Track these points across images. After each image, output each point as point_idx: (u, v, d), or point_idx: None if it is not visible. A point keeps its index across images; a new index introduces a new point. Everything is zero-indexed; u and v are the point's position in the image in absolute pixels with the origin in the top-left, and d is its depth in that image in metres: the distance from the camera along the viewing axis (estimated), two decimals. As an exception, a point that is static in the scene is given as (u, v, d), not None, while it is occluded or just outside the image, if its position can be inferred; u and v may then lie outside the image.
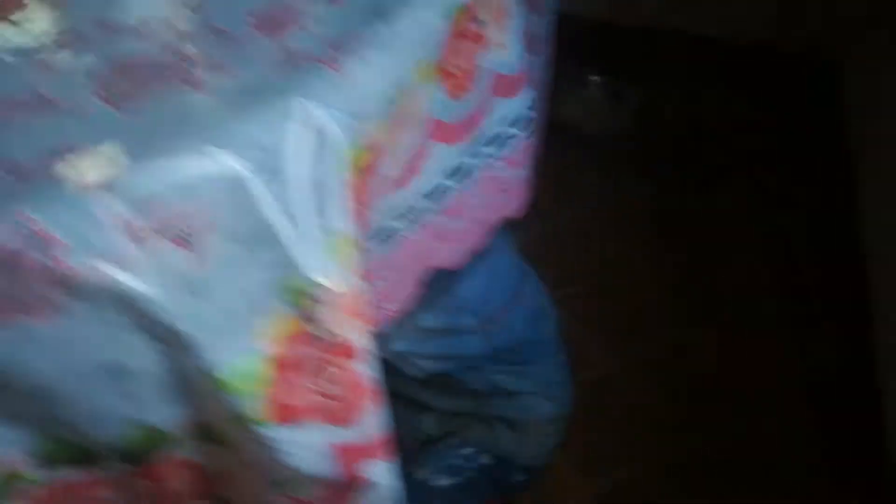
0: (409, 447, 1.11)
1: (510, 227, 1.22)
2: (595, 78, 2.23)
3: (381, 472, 0.60)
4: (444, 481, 1.18)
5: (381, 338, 1.09)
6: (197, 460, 0.60)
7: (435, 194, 0.79)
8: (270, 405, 0.53)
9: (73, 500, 0.57)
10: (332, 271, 0.51)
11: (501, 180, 0.87)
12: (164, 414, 0.54)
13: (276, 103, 0.49)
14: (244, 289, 0.49)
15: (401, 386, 1.14)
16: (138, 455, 0.56)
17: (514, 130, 0.84)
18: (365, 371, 0.55)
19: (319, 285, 0.50)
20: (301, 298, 0.51)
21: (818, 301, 1.68)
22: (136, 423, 0.53)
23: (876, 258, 1.59)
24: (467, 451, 1.20)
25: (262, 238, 0.48)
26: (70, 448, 0.54)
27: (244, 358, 0.51)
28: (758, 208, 1.96)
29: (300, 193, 0.49)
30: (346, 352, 0.54)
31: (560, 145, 2.09)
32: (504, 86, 0.80)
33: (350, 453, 0.58)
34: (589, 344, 1.64)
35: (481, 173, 0.84)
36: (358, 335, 0.53)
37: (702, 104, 2.20)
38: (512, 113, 0.82)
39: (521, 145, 0.86)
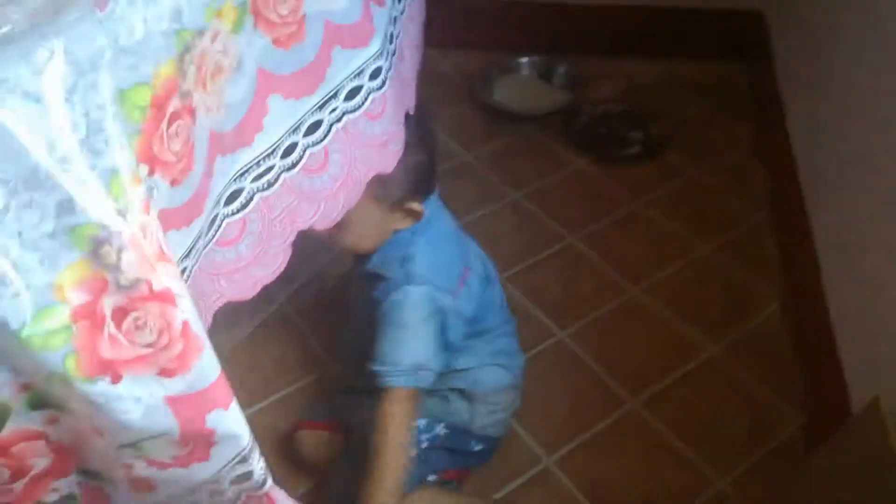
0: (366, 422, 1.12)
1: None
2: (524, 59, 2.25)
3: (228, 421, 0.59)
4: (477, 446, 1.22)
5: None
6: (41, 430, 0.59)
7: (287, 151, 0.78)
8: (83, 360, 0.52)
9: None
10: (115, 211, 0.50)
11: (366, 135, 0.86)
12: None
13: (37, 46, 0.49)
14: (23, 234, 0.48)
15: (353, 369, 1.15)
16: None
17: (366, 82, 0.84)
18: (177, 314, 0.54)
19: (105, 227, 0.50)
20: (89, 242, 0.50)
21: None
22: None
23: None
24: (422, 422, 1.21)
25: (36, 183, 0.48)
26: None
27: (41, 310, 0.50)
28: (696, 172, 1.98)
29: (69, 133, 0.48)
30: (152, 295, 0.53)
31: (497, 128, 2.11)
32: (345, 36, 0.80)
33: (186, 404, 0.57)
34: (539, 317, 1.66)
35: (341, 129, 0.84)
36: (159, 276, 0.53)
37: (633, 73, 2.22)
38: (358, 63, 0.82)
39: (379, 98, 0.86)
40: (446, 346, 1.14)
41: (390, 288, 1.09)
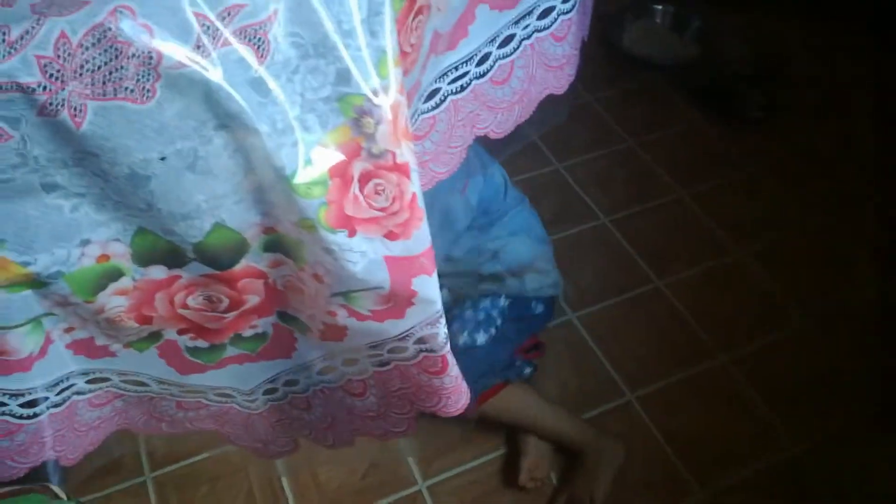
0: None
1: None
2: (659, 7, 2.23)
3: (428, 287, 0.67)
4: (481, 338, 1.30)
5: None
6: (265, 270, 0.68)
7: (481, 60, 0.84)
8: (332, 212, 0.60)
9: (155, 299, 0.66)
10: (381, 88, 0.57)
11: (547, 55, 0.91)
12: (239, 216, 0.62)
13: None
14: (305, 95, 0.56)
15: None
16: (218, 258, 0.64)
17: (558, 3, 0.88)
18: (410, 187, 0.62)
19: (370, 99, 0.57)
20: (354, 111, 0.57)
21: None
22: (216, 223, 0.61)
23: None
24: (485, 302, 1.36)
25: (321, 48, 0.55)
26: (161, 245, 0.62)
27: (309, 162, 0.58)
28: (817, 143, 1.96)
29: (355, 11, 0.55)
30: (394, 167, 0.60)
31: (621, 73, 2.12)
32: (549, -41, 0.84)
33: (401, 265, 0.65)
34: (639, 263, 1.70)
35: (528, 45, 0.89)
36: (402, 150, 0.60)
37: (766, 33, 2.18)
38: (557, -14, 0.86)
39: (566, 21, 0.90)
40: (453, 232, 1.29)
41: None
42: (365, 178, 0.60)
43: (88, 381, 0.76)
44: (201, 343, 0.75)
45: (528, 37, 0.88)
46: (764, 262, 1.70)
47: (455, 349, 1.27)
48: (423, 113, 0.82)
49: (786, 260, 1.71)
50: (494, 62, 0.86)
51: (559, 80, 0.94)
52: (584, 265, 1.70)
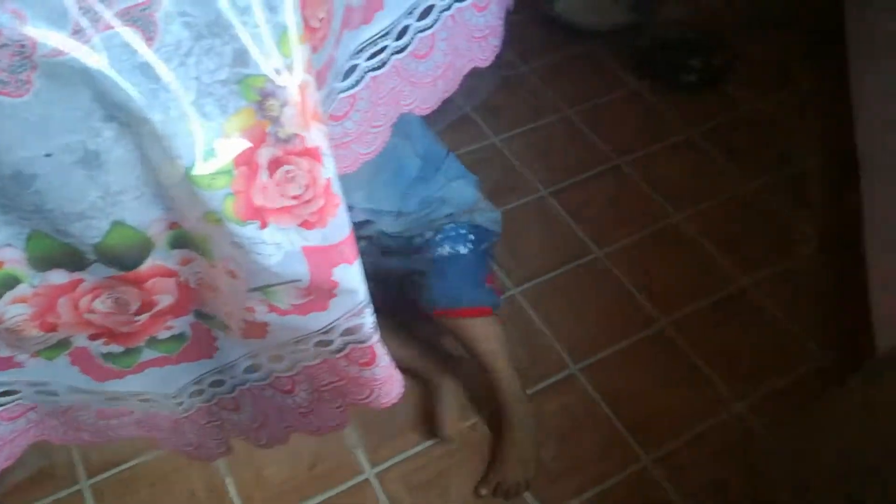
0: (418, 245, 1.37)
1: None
2: (591, -28, 2.20)
3: (350, 276, 0.64)
4: (463, 248, 1.35)
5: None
6: (174, 268, 0.64)
7: (400, 34, 0.80)
8: (239, 203, 0.56)
9: (58, 305, 0.61)
10: (284, 67, 0.53)
11: (470, 26, 0.88)
12: (139, 213, 0.57)
13: None
14: (201, 78, 0.52)
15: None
16: (121, 259, 0.60)
17: (478, -27, 0.85)
18: (323, 172, 0.58)
19: (272, 80, 0.53)
20: (257, 93, 0.53)
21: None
22: (114, 221, 0.57)
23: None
24: (447, 226, 1.38)
25: (216, 28, 0.51)
26: (59, 248, 0.58)
27: (209, 152, 0.54)
28: (752, 108, 1.98)
29: (251, -13, 0.51)
30: (304, 151, 0.57)
31: (556, 39, 2.09)
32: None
33: (320, 255, 0.61)
34: (578, 234, 1.70)
35: (448, 17, 0.85)
36: (312, 133, 0.56)
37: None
38: (475, -47, 0.82)
39: (488, -10, 0.87)
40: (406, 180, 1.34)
41: None
42: (274, 165, 0.56)
43: (-6, 396, 0.71)
44: (115, 348, 0.70)
45: (448, 7, 0.84)
46: (703, 227, 1.72)
47: (441, 260, 1.32)
48: (341, 92, 0.78)
49: (724, 224, 1.72)
50: (414, 35, 0.82)
51: (484, 51, 0.91)
52: (525, 239, 1.69)
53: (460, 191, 1.42)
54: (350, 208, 1.20)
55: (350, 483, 1.32)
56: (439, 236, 1.36)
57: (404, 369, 1.31)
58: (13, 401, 0.72)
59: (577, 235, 1.70)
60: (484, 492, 1.30)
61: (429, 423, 1.38)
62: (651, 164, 1.84)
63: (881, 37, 1.76)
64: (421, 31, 0.82)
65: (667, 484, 1.33)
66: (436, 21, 0.83)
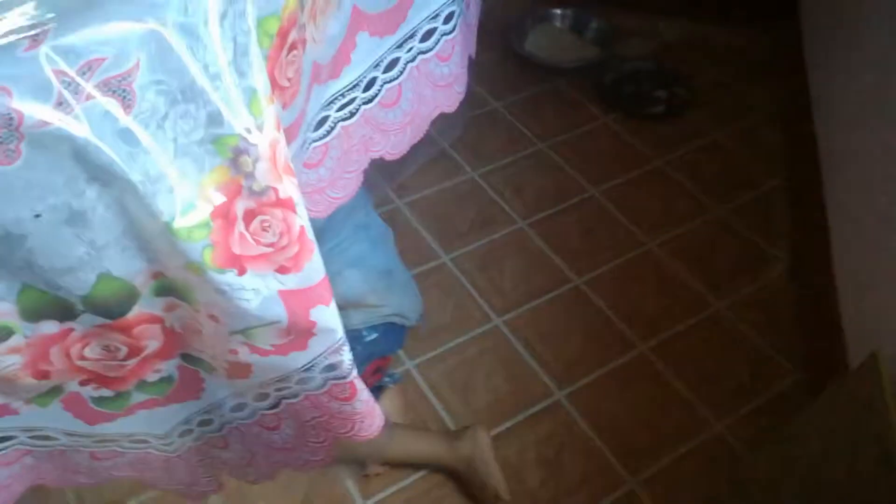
0: None
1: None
2: (558, 11, 2.29)
3: (327, 316, 0.68)
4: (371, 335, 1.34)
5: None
6: (160, 315, 0.67)
7: (367, 86, 0.85)
8: (217, 253, 0.60)
9: (50, 353, 0.65)
10: (255, 126, 0.58)
11: (434, 76, 0.94)
12: (124, 265, 0.61)
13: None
14: (178, 140, 0.56)
15: None
16: (108, 308, 0.64)
17: (440, 25, 0.90)
18: (296, 220, 0.62)
19: (245, 138, 0.58)
20: (230, 151, 0.58)
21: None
22: (101, 273, 0.60)
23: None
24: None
25: (190, 93, 0.55)
26: (49, 301, 0.61)
27: (188, 206, 0.58)
28: (717, 134, 2.05)
29: (220, 54, 0.56)
30: (277, 202, 0.61)
31: (527, 78, 2.17)
32: (426, -20, 0.86)
33: (297, 298, 0.65)
34: (557, 263, 1.75)
35: (413, 68, 0.91)
36: (285, 185, 0.60)
37: (663, 32, 2.27)
38: (435, 7, 0.88)
39: (449, 41, 0.93)
40: None
41: None
42: (249, 216, 0.61)
43: (-9, 444, 0.74)
44: (106, 392, 0.74)
45: (413, 59, 0.90)
46: (675, 253, 1.77)
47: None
48: (314, 141, 0.83)
49: (697, 248, 1.78)
50: (381, 86, 0.87)
51: (449, 98, 0.96)
52: (505, 270, 1.73)
53: (348, 282, 1.35)
54: None
55: (341, 518, 1.34)
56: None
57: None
58: (9, 447, 0.75)
59: (555, 264, 1.75)
60: None
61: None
62: (623, 193, 1.90)
63: (839, 41, 1.83)
64: (388, 82, 0.88)
65: (653, 505, 1.36)
66: (402, 72, 0.89)
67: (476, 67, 2.17)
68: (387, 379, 1.45)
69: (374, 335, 1.38)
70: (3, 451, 0.76)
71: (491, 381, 1.54)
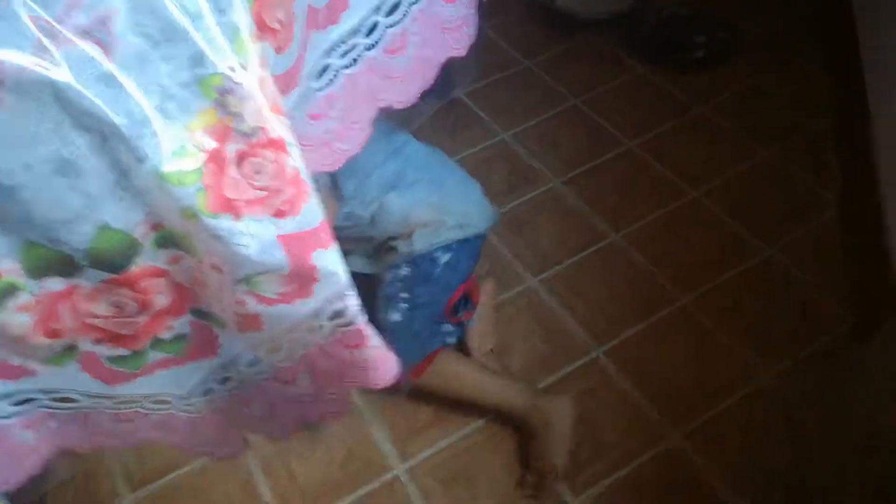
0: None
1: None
2: (588, -37, 2.21)
3: (329, 260, 0.66)
4: (395, 315, 1.29)
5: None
6: (165, 268, 0.67)
7: (369, 31, 0.83)
8: (211, 197, 0.59)
9: (59, 311, 0.66)
10: (239, 65, 0.56)
11: (441, 18, 0.90)
12: (122, 215, 0.61)
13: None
14: (161, 83, 0.55)
15: None
16: (111, 261, 0.64)
17: (444, -35, 0.87)
18: (290, 161, 0.61)
19: (230, 77, 0.56)
20: (215, 92, 0.57)
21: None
22: (98, 225, 0.60)
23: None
24: (387, 277, 1.32)
25: (170, 34, 0.54)
26: (51, 256, 0.61)
27: (176, 150, 0.57)
28: (760, 79, 1.96)
29: (198, -8, 0.54)
30: (268, 143, 0.60)
31: (557, 34, 2.11)
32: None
33: (296, 242, 0.64)
34: (595, 220, 1.71)
35: (417, 10, 0.88)
36: (274, 125, 0.59)
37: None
38: (438, -54, 0.85)
39: (456, -19, 0.89)
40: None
41: None
42: (240, 158, 0.60)
43: (13, 404, 0.75)
44: (121, 351, 0.74)
45: (416, 1, 0.87)
46: (719, 202, 1.71)
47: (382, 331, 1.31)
48: (317, 90, 0.81)
49: (742, 196, 1.71)
50: (384, 31, 0.85)
51: (458, 42, 0.93)
52: (541, 230, 1.70)
53: (389, 208, 1.29)
54: None
55: (382, 479, 1.34)
56: (379, 291, 1.29)
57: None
58: (31, 409, 0.77)
59: (592, 221, 1.71)
60: (522, 493, 1.29)
61: (457, 415, 1.40)
62: (663, 144, 1.84)
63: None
64: (390, 26, 0.85)
65: (697, 458, 1.33)
66: (404, 16, 0.86)
67: (505, 26, 2.15)
68: (459, 331, 1.37)
69: (449, 255, 1.30)
70: (27, 415, 0.77)
71: (529, 342, 1.51)
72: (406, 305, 1.29)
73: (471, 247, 1.35)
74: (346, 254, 1.34)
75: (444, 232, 1.31)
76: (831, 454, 1.24)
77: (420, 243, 1.29)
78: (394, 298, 1.30)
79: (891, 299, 1.33)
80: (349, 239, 1.30)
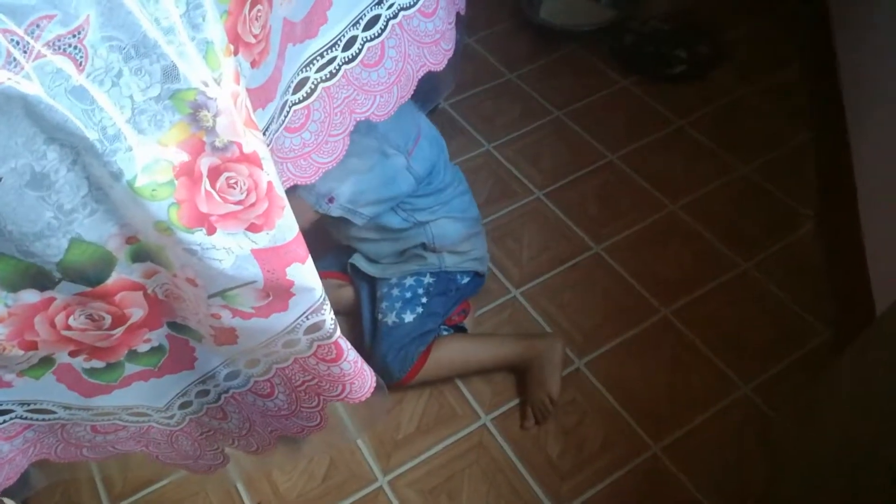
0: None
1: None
2: (572, -24, 2.24)
3: (304, 274, 0.67)
4: (409, 316, 1.35)
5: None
6: (140, 282, 0.67)
7: (347, 44, 0.84)
8: (184, 211, 0.60)
9: (34, 323, 0.65)
10: (213, 80, 0.57)
11: (419, 32, 0.92)
12: (95, 229, 0.61)
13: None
14: (134, 97, 0.55)
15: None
16: (85, 274, 0.64)
17: (422, -20, 0.88)
18: (263, 176, 0.61)
19: (203, 92, 0.57)
20: (189, 107, 0.57)
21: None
22: (72, 238, 0.60)
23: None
24: (410, 281, 1.42)
25: (143, 49, 0.55)
26: (26, 269, 0.61)
27: (149, 165, 0.57)
28: (740, 93, 1.98)
29: (172, 8, 0.55)
30: (242, 157, 0.60)
31: (541, 46, 2.13)
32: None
33: (271, 256, 0.64)
34: (576, 231, 1.72)
35: (395, 25, 0.89)
36: (248, 140, 0.59)
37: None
38: (416, -38, 0.86)
39: (434, -4, 0.90)
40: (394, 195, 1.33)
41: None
42: (214, 173, 0.60)
43: (-12, 417, 0.75)
44: (97, 363, 0.74)
45: (395, 16, 0.88)
46: (698, 214, 1.72)
47: (385, 328, 1.36)
48: (294, 104, 0.82)
49: (721, 209, 1.73)
50: (362, 45, 0.86)
51: (436, 56, 0.94)
52: (523, 241, 1.71)
53: (445, 227, 1.43)
54: (330, 199, 1.26)
55: (365, 491, 1.34)
56: (395, 293, 1.41)
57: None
58: (7, 420, 0.76)
59: (574, 233, 1.72)
60: (527, 425, 1.40)
61: (440, 427, 1.40)
62: (644, 156, 1.86)
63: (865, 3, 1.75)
64: (369, 40, 0.86)
65: (677, 470, 1.33)
66: (383, 30, 0.87)
67: (490, 39, 2.16)
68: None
69: (467, 279, 1.48)
70: (2, 425, 0.76)
71: (511, 352, 1.51)
72: (421, 310, 1.40)
73: (479, 280, 1.54)
74: (368, 242, 1.42)
75: (468, 261, 1.48)
76: (805, 466, 1.25)
77: (449, 261, 1.45)
78: (413, 301, 1.40)
79: (867, 318, 1.34)
80: (382, 239, 1.43)
